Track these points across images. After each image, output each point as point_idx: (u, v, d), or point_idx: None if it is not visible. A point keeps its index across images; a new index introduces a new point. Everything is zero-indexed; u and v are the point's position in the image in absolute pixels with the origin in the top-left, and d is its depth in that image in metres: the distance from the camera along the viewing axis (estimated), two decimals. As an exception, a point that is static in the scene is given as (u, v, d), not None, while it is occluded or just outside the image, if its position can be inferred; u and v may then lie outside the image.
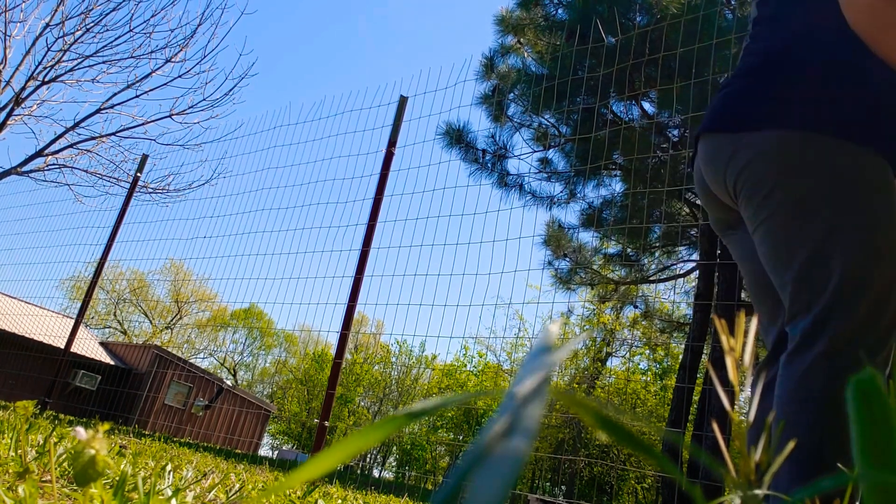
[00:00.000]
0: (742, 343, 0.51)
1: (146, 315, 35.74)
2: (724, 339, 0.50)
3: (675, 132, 8.28)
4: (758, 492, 0.45)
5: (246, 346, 39.57)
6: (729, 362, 0.50)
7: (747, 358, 0.51)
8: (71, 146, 9.33)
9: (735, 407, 0.49)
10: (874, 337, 1.40)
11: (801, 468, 1.34)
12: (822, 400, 1.38)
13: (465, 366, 33.28)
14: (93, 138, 9.31)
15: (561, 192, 8.84)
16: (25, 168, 9.31)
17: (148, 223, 9.71)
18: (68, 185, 9.24)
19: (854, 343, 1.38)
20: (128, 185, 7.22)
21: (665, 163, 7.66)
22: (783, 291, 1.51)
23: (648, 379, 25.34)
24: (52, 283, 14.67)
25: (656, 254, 9.61)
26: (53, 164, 9.32)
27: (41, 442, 1.50)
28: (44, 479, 1.05)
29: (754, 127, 1.54)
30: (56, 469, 1.21)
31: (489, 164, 8.46)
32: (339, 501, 1.77)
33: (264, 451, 29.17)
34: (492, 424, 0.22)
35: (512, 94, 8.10)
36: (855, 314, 1.39)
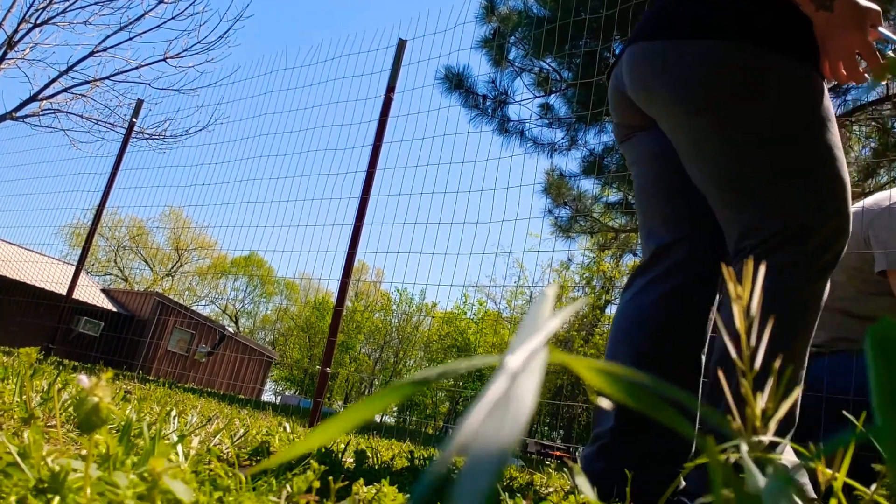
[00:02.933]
0: (750, 290, 0.50)
1: (146, 262, 35.87)
2: (730, 286, 0.49)
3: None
4: (762, 438, 0.45)
5: (247, 294, 39.84)
6: (735, 310, 0.49)
7: (754, 305, 0.50)
8: (65, 90, 9.22)
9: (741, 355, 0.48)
10: (830, 255, 1.40)
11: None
12: (778, 310, 1.39)
13: (465, 314, 33.59)
14: (87, 82, 9.19)
15: (562, 138, 8.75)
16: (20, 113, 9.22)
17: (146, 170, 9.67)
18: (64, 130, 9.16)
19: (813, 258, 1.39)
20: (124, 131, 7.13)
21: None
22: (731, 204, 1.49)
23: (647, 326, 25.47)
24: (52, 230, 14.66)
25: (657, 202, 9.54)
26: (48, 109, 9.22)
27: (46, 388, 1.51)
28: (49, 424, 1.06)
29: (694, 35, 1.49)
30: (61, 415, 1.23)
31: (490, 110, 8.35)
32: (341, 445, 1.81)
33: (267, 397, 29.65)
34: (479, 403, 0.21)
35: (513, 38, 7.94)
36: (816, 228, 1.39)
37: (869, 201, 2.28)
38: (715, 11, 1.50)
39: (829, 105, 1.47)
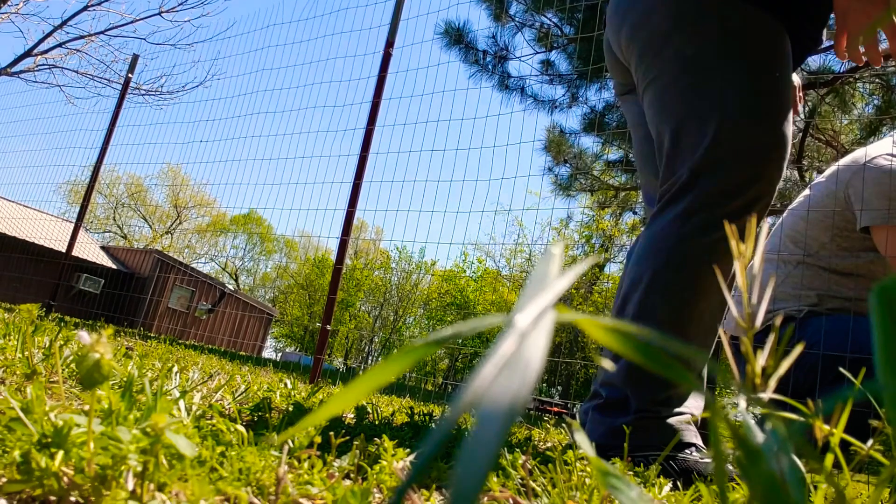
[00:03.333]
0: (752, 248, 0.50)
1: (145, 220, 35.83)
2: (733, 243, 0.49)
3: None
4: (763, 395, 0.45)
5: (247, 252, 39.90)
6: (737, 267, 0.49)
7: (757, 262, 0.50)
8: (60, 45, 9.09)
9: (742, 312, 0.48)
10: (739, 202, 1.36)
11: (633, 319, 1.35)
12: (670, 256, 1.38)
13: (465, 272, 33.68)
14: (82, 37, 9.05)
15: (563, 95, 8.65)
16: (15, 69, 9.10)
17: (143, 126, 9.59)
18: (59, 86, 9.05)
19: (716, 206, 1.36)
20: (120, 87, 7.04)
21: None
22: (660, 157, 1.48)
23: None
24: (50, 187, 14.63)
25: (658, 160, 9.49)
26: (43, 65, 9.10)
27: (47, 344, 1.52)
28: (51, 380, 1.07)
29: None
30: (63, 371, 1.23)
31: (490, 66, 8.24)
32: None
33: (268, 354, 29.93)
34: (489, 361, 0.21)
35: (514, -9, 7.79)
36: (721, 176, 1.36)
37: (846, 160, 2.29)
38: None
39: (771, 51, 1.43)
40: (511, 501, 0.75)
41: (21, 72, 9.05)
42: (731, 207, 1.35)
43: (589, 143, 9.21)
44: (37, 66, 9.13)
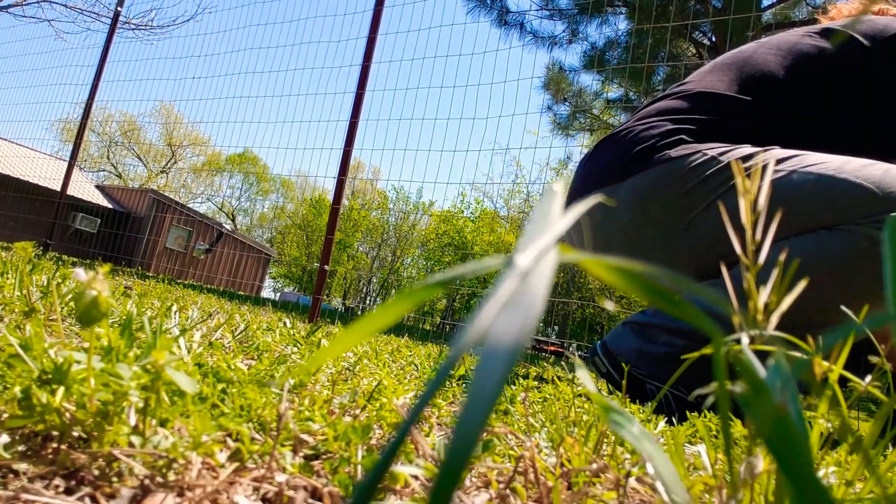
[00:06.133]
0: (757, 185, 0.49)
1: (140, 159, 35.52)
2: (738, 180, 0.48)
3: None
4: (765, 332, 0.45)
5: (243, 192, 39.72)
6: (742, 204, 0.48)
7: (762, 199, 0.49)
8: (47, -23, 8.81)
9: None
10: None
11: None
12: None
13: (462, 212, 33.65)
14: (69, -31, 8.77)
15: (563, 31, 8.47)
16: (2, 3, 8.85)
17: (134, 62, 9.40)
18: (48, 20, 8.81)
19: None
20: (109, 21, 6.86)
21: None
22: None
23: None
24: (42, 125, 14.47)
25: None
26: (31, -1, 8.85)
27: (45, 282, 1.52)
28: (50, 318, 1.07)
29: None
30: (62, 309, 1.24)
31: (488, 1, 8.04)
32: (341, 339, 1.85)
33: (266, 294, 30.14)
34: (490, 301, 0.20)
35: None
36: None
37: None
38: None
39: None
40: (510, 436, 0.76)
41: (9, 6, 8.81)
42: None
43: (589, 80, 9.07)
44: (24, 1, 8.88)
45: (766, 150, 1.53)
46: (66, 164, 6.83)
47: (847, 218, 1.36)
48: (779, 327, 0.43)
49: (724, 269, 0.52)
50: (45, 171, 13.89)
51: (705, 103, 1.70)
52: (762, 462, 0.43)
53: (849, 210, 1.36)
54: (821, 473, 0.62)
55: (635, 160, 1.66)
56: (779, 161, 1.49)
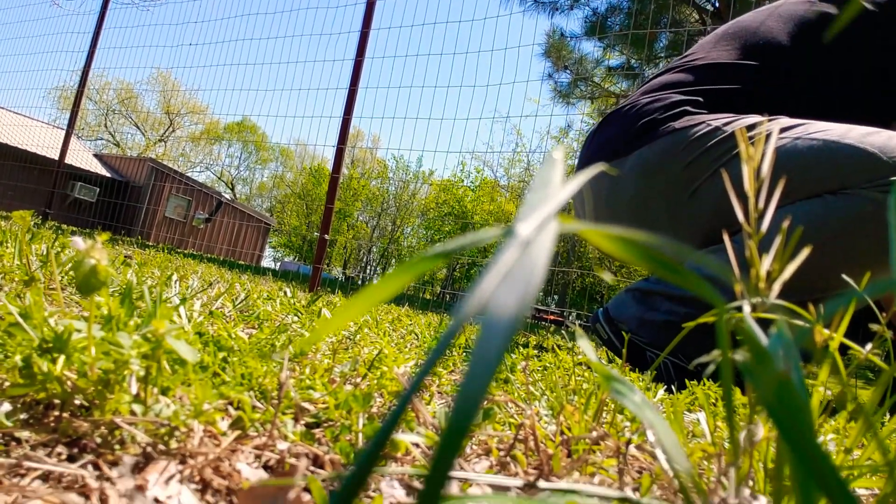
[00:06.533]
0: (761, 151, 0.48)
1: (138, 127, 35.29)
2: (742, 146, 0.47)
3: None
4: (767, 299, 0.44)
5: (242, 161, 39.53)
6: (745, 170, 0.47)
7: (766, 165, 0.48)
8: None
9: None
10: None
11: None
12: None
13: (462, 181, 33.52)
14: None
15: (565, -3, 8.35)
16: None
17: (130, 28, 9.28)
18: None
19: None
20: (104, -13, 6.75)
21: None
22: None
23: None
24: (39, 93, 14.34)
25: (661, 64, 9.29)
26: (23, -36, 8.70)
27: (45, 252, 1.52)
28: (50, 287, 1.07)
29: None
30: (61, 279, 1.24)
31: (489, -34, 7.90)
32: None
33: (266, 263, 30.16)
34: (491, 270, 0.20)
35: None
36: None
37: None
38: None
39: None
40: (511, 405, 0.76)
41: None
42: None
43: (590, 48, 8.98)
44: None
45: (771, 120, 1.52)
46: (63, 133, 6.78)
47: (853, 182, 1.36)
48: (782, 292, 0.43)
49: (725, 237, 0.52)
50: (42, 140, 13.80)
51: (711, 75, 1.69)
52: (762, 430, 0.43)
53: (854, 175, 1.36)
54: (819, 440, 0.62)
55: (640, 133, 1.66)
56: (784, 129, 1.48)
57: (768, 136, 1.31)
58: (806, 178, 1.41)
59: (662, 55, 9.09)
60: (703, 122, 1.57)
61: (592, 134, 1.89)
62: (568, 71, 8.85)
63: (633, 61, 8.92)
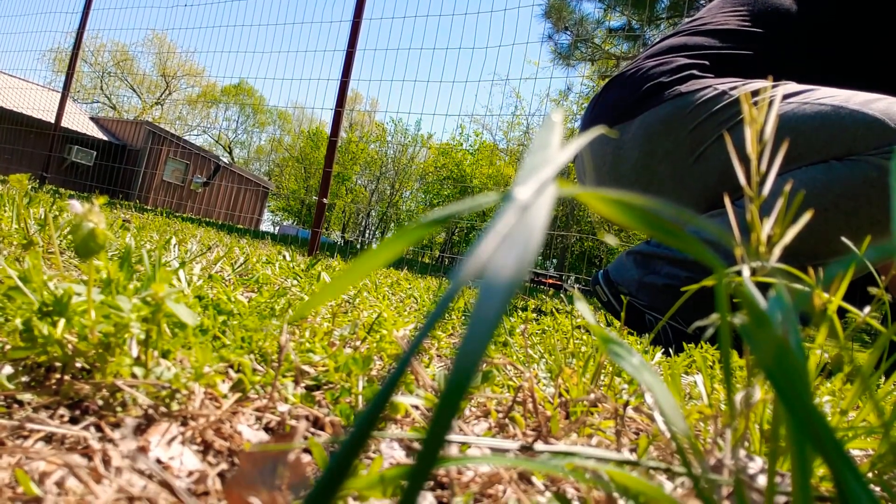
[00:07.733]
0: (765, 115, 0.48)
1: (134, 90, 34.91)
2: (745, 108, 0.47)
3: None
4: (767, 263, 0.44)
5: (240, 124, 39.21)
6: (748, 134, 0.47)
7: (769, 129, 0.48)
8: None
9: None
10: None
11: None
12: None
13: (461, 145, 33.29)
14: None
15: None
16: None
17: (124, -10, 9.11)
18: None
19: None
20: (96, -53, 6.62)
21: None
22: None
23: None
24: (34, 55, 14.17)
25: (662, 26, 9.16)
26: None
27: (42, 216, 1.52)
28: (48, 251, 1.07)
29: None
30: (60, 242, 1.23)
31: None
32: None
33: (265, 227, 30.14)
34: (489, 234, 0.20)
35: None
36: None
37: None
38: None
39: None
40: (509, 367, 0.77)
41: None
42: None
43: (591, 8, 8.84)
44: (6, -77, 8.56)
45: (777, 84, 1.51)
46: (59, 96, 6.71)
47: (859, 148, 1.36)
48: (784, 257, 0.43)
49: (727, 201, 0.52)
50: (38, 103, 13.68)
51: (717, 39, 1.67)
52: (759, 391, 0.43)
53: (862, 140, 1.36)
54: (815, 402, 0.63)
55: (645, 97, 1.64)
56: (791, 94, 1.47)
57: (773, 100, 1.30)
58: (812, 143, 1.40)
59: (664, 16, 8.96)
60: (710, 86, 1.56)
61: (596, 97, 1.88)
62: (568, 32, 8.73)
63: (634, 22, 8.80)
